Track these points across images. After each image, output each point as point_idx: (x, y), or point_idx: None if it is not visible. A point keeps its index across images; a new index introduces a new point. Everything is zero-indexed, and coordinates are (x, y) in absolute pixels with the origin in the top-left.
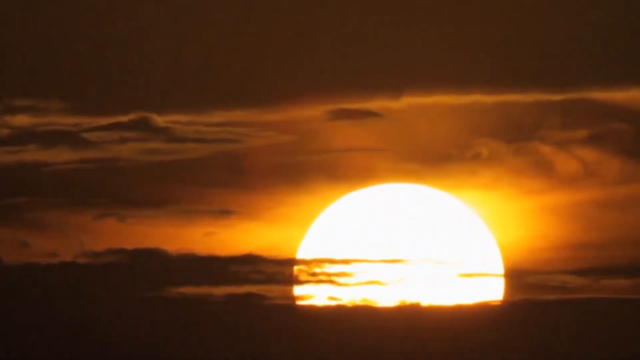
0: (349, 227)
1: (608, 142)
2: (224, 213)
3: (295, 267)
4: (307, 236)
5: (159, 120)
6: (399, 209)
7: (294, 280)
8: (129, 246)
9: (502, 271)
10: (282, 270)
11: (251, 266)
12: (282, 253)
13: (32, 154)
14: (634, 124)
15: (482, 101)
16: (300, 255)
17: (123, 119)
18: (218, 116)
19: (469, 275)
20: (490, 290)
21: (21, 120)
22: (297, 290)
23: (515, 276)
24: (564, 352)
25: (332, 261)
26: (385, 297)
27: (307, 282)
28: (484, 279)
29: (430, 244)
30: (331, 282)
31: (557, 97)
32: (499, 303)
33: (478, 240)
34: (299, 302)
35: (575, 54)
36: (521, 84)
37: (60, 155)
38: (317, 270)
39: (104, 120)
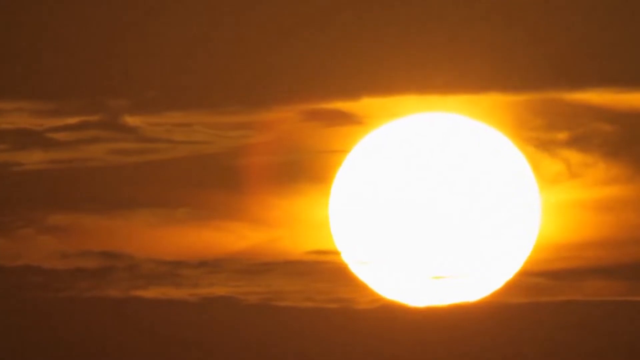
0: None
1: (591, 144)
2: (197, 215)
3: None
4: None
5: (129, 119)
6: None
7: (268, 282)
8: (98, 248)
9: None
10: (256, 273)
11: (225, 268)
12: (258, 255)
13: (1, 155)
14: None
15: (443, 101)
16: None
17: (92, 118)
18: (192, 116)
19: (443, 277)
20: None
21: None
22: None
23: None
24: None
25: (308, 262)
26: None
27: (282, 284)
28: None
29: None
30: (307, 283)
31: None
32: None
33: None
34: (276, 303)
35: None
36: (481, 84)
37: (30, 156)
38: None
39: (73, 120)
